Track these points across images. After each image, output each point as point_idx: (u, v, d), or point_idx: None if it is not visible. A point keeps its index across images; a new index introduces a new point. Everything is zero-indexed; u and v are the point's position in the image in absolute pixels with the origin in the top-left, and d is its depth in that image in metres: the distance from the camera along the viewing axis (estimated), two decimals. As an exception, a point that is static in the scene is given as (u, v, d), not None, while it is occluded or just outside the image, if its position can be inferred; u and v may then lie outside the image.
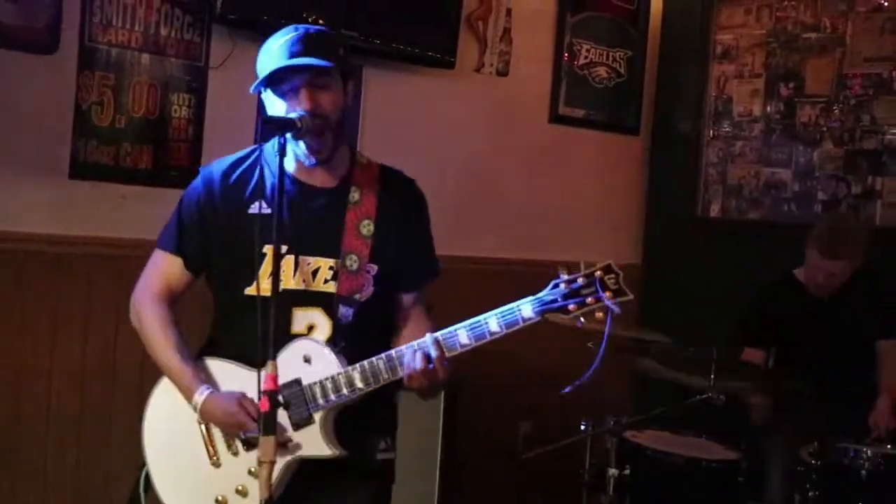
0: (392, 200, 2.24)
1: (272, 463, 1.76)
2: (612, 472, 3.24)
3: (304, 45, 2.09)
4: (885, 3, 4.20)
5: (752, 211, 4.62)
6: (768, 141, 4.56)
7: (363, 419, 2.16)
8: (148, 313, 2.24)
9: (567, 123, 4.66)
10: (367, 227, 2.18)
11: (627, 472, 3.23)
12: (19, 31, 3.11)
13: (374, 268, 2.19)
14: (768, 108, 4.56)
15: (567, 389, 2.26)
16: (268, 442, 1.76)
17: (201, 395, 2.13)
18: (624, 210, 4.96)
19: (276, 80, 2.10)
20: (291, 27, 2.14)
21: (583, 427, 3.31)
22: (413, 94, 4.07)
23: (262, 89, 2.14)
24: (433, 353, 1.99)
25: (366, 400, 2.12)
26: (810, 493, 3.12)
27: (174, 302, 2.28)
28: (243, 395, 2.09)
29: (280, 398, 1.84)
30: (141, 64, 3.37)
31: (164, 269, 2.27)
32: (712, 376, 3.24)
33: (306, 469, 2.12)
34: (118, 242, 3.32)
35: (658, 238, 4.94)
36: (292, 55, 2.08)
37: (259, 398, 1.80)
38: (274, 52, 2.11)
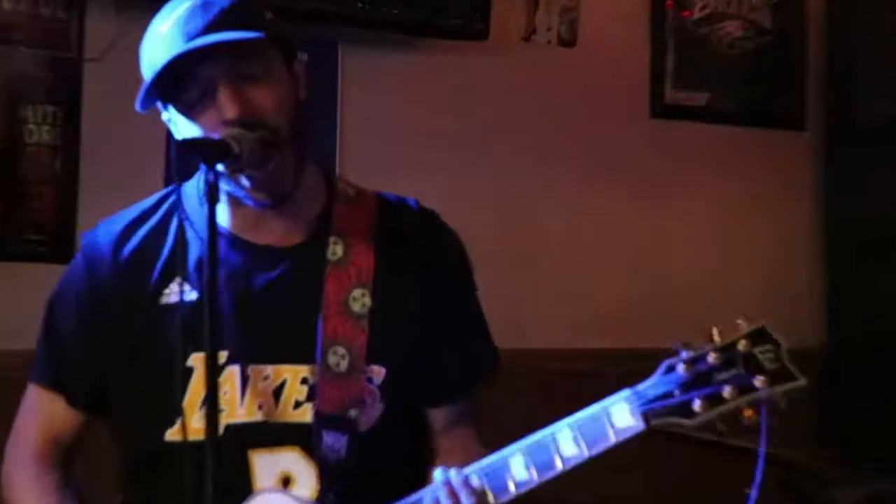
0: (400, 252, 1.74)
1: None
2: None
3: (206, 18, 1.60)
4: None
5: None
6: None
7: None
8: (19, 485, 1.80)
9: (679, 117, 3.76)
10: (361, 301, 1.70)
11: None
12: None
13: (378, 371, 1.66)
14: None
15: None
16: None
17: None
18: (787, 256, 4.03)
19: (176, 85, 1.60)
20: None
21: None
22: (423, 81, 3.39)
23: (159, 105, 1.64)
24: (464, 500, 1.53)
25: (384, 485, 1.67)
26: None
27: (66, 457, 1.83)
28: None
29: None
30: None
31: (41, 411, 1.85)
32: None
33: None
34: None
35: (849, 301, 3.88)
36: (190, 37, 1.58)
37: None
38: (162, 40, 1.61)
